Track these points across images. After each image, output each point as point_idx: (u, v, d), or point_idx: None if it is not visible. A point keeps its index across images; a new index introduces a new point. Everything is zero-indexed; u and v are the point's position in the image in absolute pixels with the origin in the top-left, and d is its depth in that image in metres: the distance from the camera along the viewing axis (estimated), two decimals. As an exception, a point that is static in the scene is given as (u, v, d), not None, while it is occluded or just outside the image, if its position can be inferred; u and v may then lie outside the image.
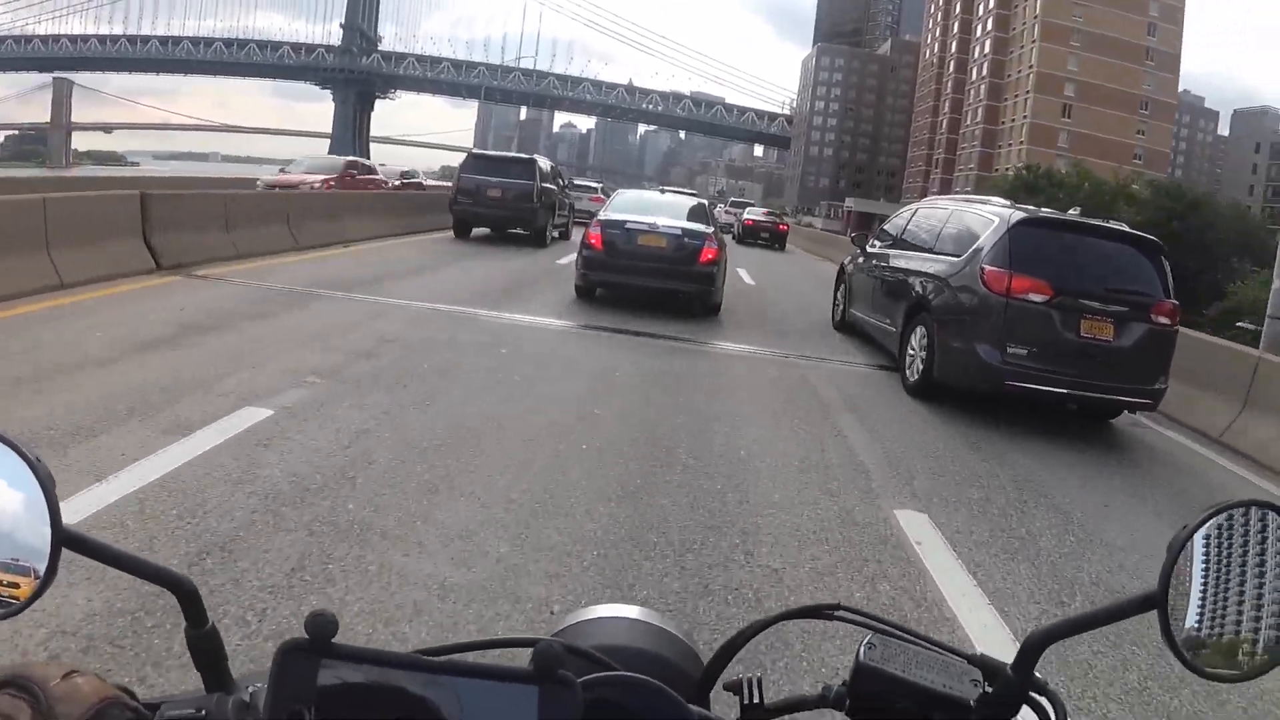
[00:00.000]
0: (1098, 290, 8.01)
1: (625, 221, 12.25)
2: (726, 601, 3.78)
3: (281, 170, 26.00)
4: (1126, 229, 8.67)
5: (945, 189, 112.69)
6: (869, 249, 12.00)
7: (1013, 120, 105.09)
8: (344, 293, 10.42)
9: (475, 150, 24.74)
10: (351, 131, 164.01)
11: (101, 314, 7.93)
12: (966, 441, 7.25)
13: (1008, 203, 9.63)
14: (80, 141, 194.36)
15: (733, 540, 4.45)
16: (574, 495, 4.76)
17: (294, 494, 4.29)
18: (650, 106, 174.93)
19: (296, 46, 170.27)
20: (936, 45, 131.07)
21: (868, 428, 7.21)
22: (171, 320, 7.87)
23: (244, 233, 12.50)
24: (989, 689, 0.84)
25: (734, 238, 31.53)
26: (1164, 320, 8.13)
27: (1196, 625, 0.76)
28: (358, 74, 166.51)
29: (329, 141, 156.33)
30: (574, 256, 12.74)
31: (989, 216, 8.78)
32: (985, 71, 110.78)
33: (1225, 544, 0.76)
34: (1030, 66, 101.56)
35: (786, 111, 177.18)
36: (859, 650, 0.88)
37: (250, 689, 0.77)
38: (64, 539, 0.70)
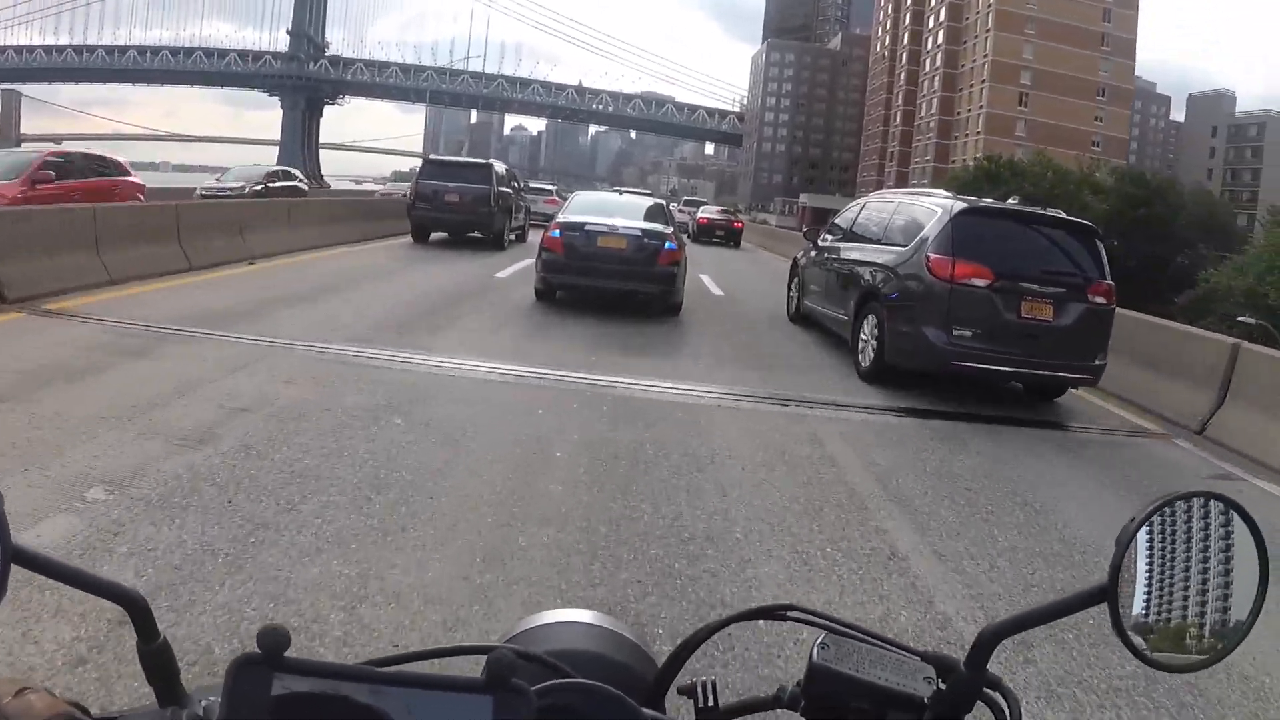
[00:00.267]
0: (1036, 273, 8.45)
1: (585, 224, 12.07)
2: None
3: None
4: (1063, 215, 9.12)
5: (901, 182, 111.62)
6: (820, 243, 12.31)
7: (968, 110, 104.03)
8: (216, 330, 8.20)
9: (432, 156, 25.06)
10: (300, 138, 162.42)
11: None
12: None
13: (950, 194, 9.99)
14: None
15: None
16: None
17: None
18: (600, 107, 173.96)
19: (243, 54, 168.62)
20: (888, 38, 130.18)
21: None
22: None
23: (120, 253, 10.68)
24: (943, 686, 0.85)
25: (689, 236, 30.23)
26: (1100, 300, 8.55)
27: (1144, 615, 0.77)
28: (305, 80, 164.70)
29: (278, 149, 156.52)
30: (514, 268, 12.60)
31: (933, 208, 9.15)
32: (939, 62, 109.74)
33: (1170, 535, 0.78)
34: (985, 55, 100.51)
35: (737, 109, 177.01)
36: (812, 651, 0.88)
37: (204, 703, 0.77)
38: (13, 555, 0.71)
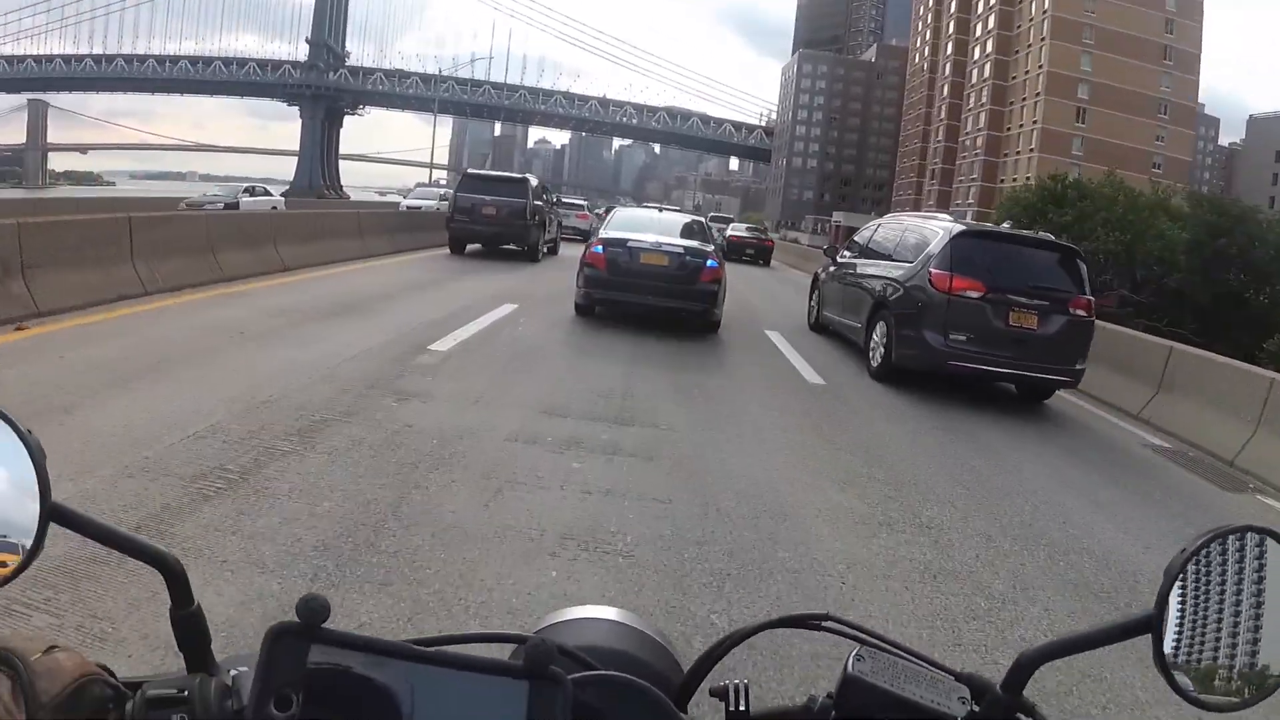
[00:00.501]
0: (1023, 288, 9.76)
1: (627, 240, 12.24)
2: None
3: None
4: (1050, 238, 11.24)
5: (943, 201, 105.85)
6: (839, 259, 13.59)
7: (1020, 126, 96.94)
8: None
9: (470, 170, 25.59)
10: (320, 148, 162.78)
11: None
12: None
13: (951, 218, 11.73)
14: (57, 162, 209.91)
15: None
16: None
17: None
18: (624, 119, 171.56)
19: (263, 63, 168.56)
20: (927, 49, 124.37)
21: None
22: None
23: (53, 277, 9.45)
24: (976, 708, 0.84)
25: None
26: (1080, 312, 9.93)
27: (1190, 650, 0.76)
28: (325, 90, 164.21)
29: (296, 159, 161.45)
30: (501, 313, 11.79)
31: (936, 229, 10.57)
32: (988, 73, 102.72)
33: (1221, 569, 0.76)
34: (1040, 66, 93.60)
35: (764, 124, 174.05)
36: (847, 661, 0.88)
37: (233, 672, 0.78)
38: (52, 513, 0.72)
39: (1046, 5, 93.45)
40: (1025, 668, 0.81)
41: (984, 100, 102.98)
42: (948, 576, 4.59)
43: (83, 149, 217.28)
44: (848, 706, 0.85)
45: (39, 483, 0.71)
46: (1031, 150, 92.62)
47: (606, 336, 11.10)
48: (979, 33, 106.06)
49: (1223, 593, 0.75)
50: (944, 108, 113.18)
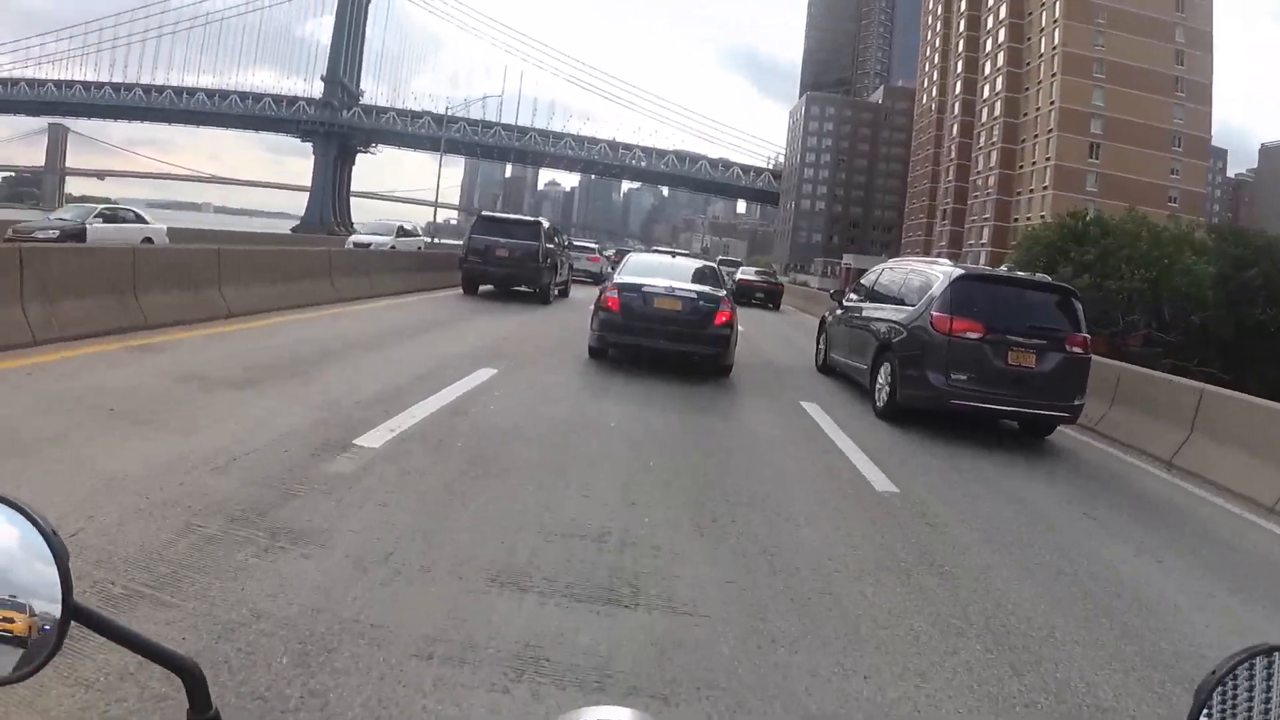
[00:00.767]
0: (1021, 328, 10.14)
1: (641, 285, 12.46)
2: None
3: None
4: (1046, 279, 11.44)
5: (955, 242, 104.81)
6: (845, 303, 14.03)
7: (1033, 163, 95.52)
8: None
9: (485, 212, 26.58)
10: (331, 185, 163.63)
11: None
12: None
13: (951, 262, 12.62)
14: (75, 186, 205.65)
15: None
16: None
17: None
18: (634, 162, 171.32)
19: (278, 99, 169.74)
20: (934, 89, 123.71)
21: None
22: None
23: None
24: None
25: None
26: (1077, 350, 10.27)
27: None
28: (338, 127, 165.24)
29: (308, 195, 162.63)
30: (474, 382, 9.96)
31: (937, 274, 10.97)
32: (998, 111, 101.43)
33: (1249, 690, 0.74)
34: (1052, 102, 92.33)
35: (772, 166, 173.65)
36: None
37: None
38: (75, 612, 0.71)
39: (1056, 41, 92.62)
40: None
41: (995, 138, 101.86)
42: None
43: (100, 175, 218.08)
44: None
45: (61, 583, 0.70)
46: (1045, 187, 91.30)
47: (603, 418, 8.73)
48: (988, 70, 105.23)
49: (1250, 714, 0.73)
50: (954, 147, 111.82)
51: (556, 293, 23.79)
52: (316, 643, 3.41)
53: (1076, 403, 10.26)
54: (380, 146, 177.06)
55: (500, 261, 21.38)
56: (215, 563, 4.04)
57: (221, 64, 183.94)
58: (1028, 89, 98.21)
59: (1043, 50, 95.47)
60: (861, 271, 22.51)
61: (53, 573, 0.70)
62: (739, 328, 13.38)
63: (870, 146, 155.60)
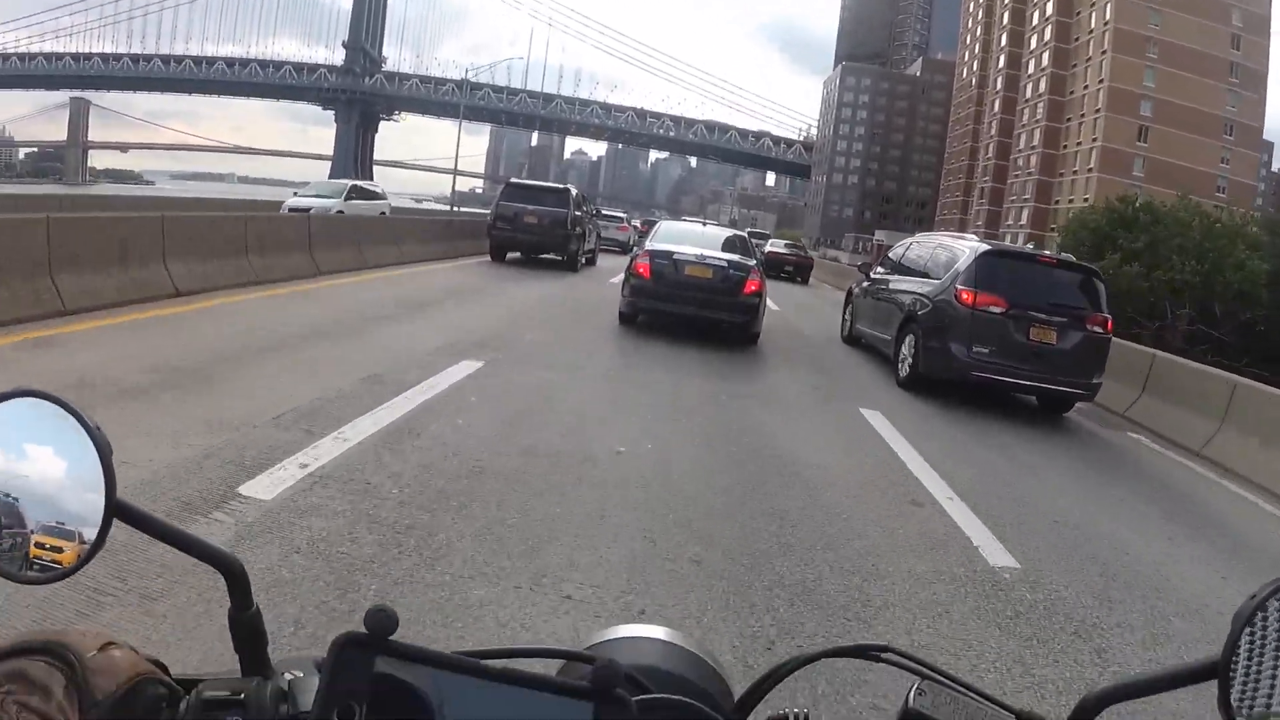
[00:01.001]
0: (1043, 305, 10.29)
1: (673, 252, 12.57)
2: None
3: None
4: (1070, 259, 11.66)
5: (992, 223, 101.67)
6: (872, 275, 14.28)
7: (1078, 144, 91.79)
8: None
9: (514, 179, 26.67)
10: (354, 153, 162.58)
11: None
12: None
13: (977, 238, 12.34)
14: (99, 160, 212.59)
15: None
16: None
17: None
18: (661, 131, 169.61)
19: (299, 66, 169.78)
20: (975, 63, 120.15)
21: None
22: None
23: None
24: None
25: None
26: (1097, 329, 10.43)
27: (1256, 698, 0.74)
28: (360, 94, 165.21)
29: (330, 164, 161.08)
30: (445, 382, 8.07)
31: (964, 249, 11.17)
32: (1043, 88, 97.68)
33: None
34: (1101, 81, 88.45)
35: (803, 139, 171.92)
36: (908, 695, 0.86)
37: (288, 676, 0.78)
38: (117, 509, 0.73)
39: (1108, 17, 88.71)
40: (1089, 709, 0.80)
41: (1038, 116, 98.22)
42: None
43: (123, 148, 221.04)
44: None
45: (105, 479, 0.72)
46: (1090, 170, 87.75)
47: (599, 472, 5.75)
48: (1034, 45, 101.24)
49: None
50: (995, 124, 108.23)
51: (584, 260, 23.81)
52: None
53: (1095, 381, 10.46)
54: (403, 114, 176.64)
55: (529, 228, 21.47)
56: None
57: (241, 32, 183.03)
58: (1075, 66, 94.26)
59: (1093, 26, 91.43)
60: (894, 248, 21.67)
61: (95, 469, 0.72)
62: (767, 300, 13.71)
63: (906, 120, 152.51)
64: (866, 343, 13.82)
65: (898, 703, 0.86)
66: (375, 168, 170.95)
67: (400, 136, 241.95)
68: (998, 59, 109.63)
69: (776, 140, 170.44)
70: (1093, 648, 4.11)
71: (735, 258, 12.85)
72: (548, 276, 19.57)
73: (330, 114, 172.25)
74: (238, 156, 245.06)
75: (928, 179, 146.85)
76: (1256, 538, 7.16)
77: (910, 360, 11.01)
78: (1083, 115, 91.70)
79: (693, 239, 13.64)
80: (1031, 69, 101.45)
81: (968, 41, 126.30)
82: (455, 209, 54.04)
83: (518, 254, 22.38)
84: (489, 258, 21.96)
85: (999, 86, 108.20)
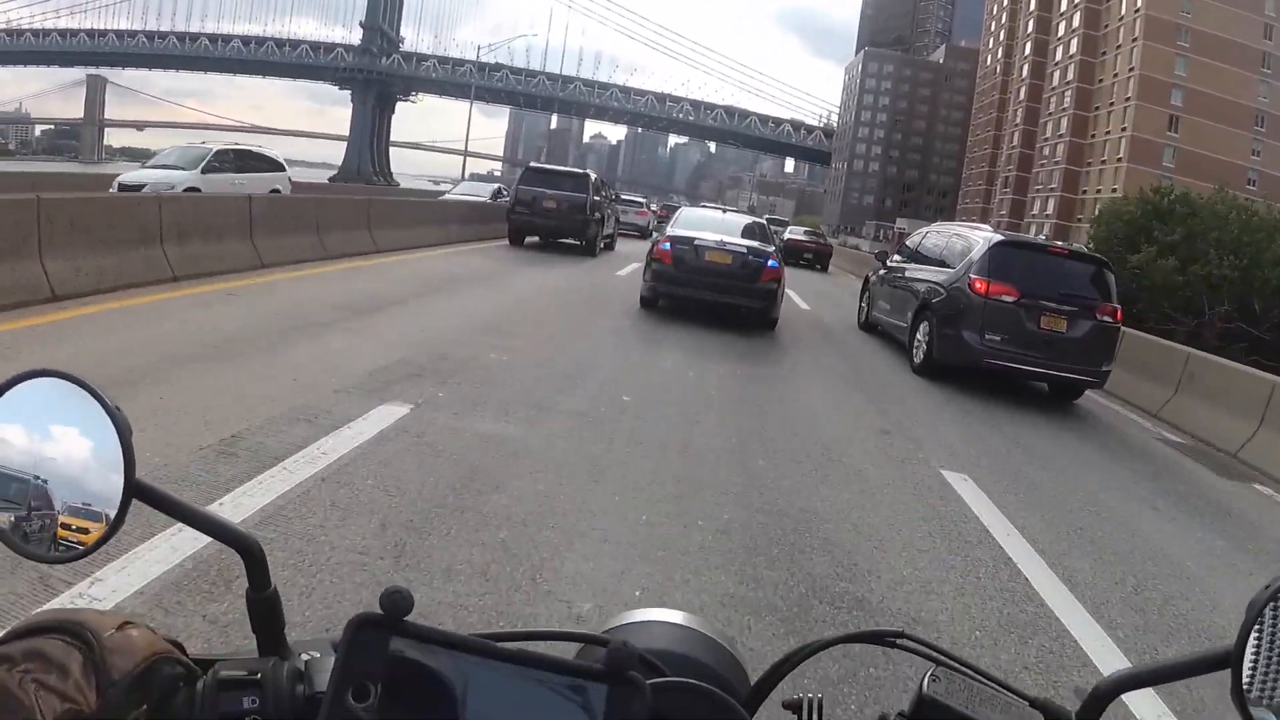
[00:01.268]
0: (1054, 294, 10.56)
1: (694, 238, 12.76)
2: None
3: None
4: (1081, 249, 12.85)
5: (1017, 212, 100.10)
6: (889, 263, 14.56)
7: (1107, 133, 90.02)
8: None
9: (533, 163, 26.24)
10: (370, 134, 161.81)
11: None
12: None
13: (991, 228, 13.11)
14: (115, 138, 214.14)
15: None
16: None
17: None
18: (681, 116, 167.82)
19: (315, 45, 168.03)
20: (1000, 50, 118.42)
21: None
22: None
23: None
24: None
25: None
26: (1107, 318, 10.68)
27: (1269, 687, 0.74)
28: (376, 75, 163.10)
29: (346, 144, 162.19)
30: (319, 467, 4.96)
31: (978, 239, 11.39)
32: (1071, 76, 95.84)
33: None
34: (1131, 69, 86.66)
35: (823, 125, 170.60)
36: (922, 681, 0.87)
37: (305, 657, 0.79)
38: (135, 490, 0.74)
39: (1139, 4, 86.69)
40: (1102, 697, 0.80)
41: (1066, 104, 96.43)
42: None
43: (139, 126, 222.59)
44: None
45: (124, 459, 0.72)
46: (1119, 159, 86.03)
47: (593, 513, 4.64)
48: (1062, 32, 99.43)
49: None
50: (1020, 111, 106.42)
51: (603, 245, 23.88)
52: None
53: (1104, 368, 10.75)
54: (421, 95, 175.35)
55: (548, 213, 21.41)
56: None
57: (259, 11, 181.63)
58: (1104, 53, 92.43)
59: (1123, 13, 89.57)
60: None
61: (117, 450, 0.73)
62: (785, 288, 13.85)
63: (929, 108, 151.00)
64: (883, 329, 14.11)
65: (912, 688, 0.87)
66: (392, 149, 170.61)
67: (418, 118, 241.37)
68: (1024, 46, 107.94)
69: (796, 126, 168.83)
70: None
71: (755, 244, 13.12)
72: (560, 263, 18.90)
73: (347, 94, 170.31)
74: (256, 136, 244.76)
75: (949, 167, 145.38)
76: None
77: (925, 347, 11.31)
78: (1112, 104, 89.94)
79: (713, 225, 13.85)
80: (1059, 56, 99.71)
81: (992, 28, 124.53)
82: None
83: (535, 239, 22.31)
84: (506, 242, 21.88)
85: (1025, 74, 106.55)
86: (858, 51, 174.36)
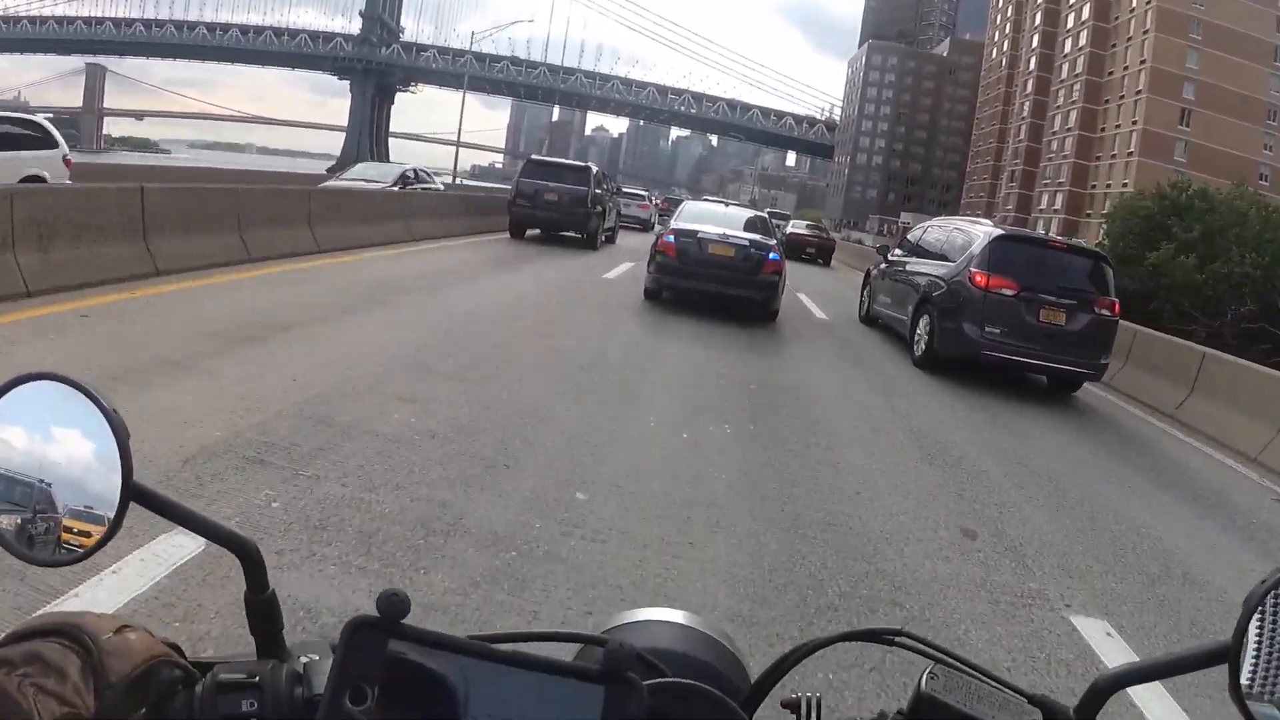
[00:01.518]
0: (1053, 288, 10.70)
1: (697, 231, 13.00)
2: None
3: None
4: (1081, 244, 13.17)
5: (1023, 207, 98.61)
6: (890, 258, 14.68)
7: (1117, 127, 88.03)
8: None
9: (535, 156, 25.84)
10: (370, 125, 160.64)
11: None
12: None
13: (991, 222, 13.25)
14: (115, 128, 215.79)
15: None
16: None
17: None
18: (683, 108, 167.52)
19: (314, 35, 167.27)
20: (1006, 43, 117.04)
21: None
22: None
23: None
24: None
25: None
26: (1105, 311, 10.86)
27: (1267, 682, 0.74)
28: (376, 65, 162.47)
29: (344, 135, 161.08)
30: None
31: (978, 233, 11.55)
32: (1080, 68, 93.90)
33: None
34: (1142, 61, 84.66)
35: (825, 119, 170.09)
36: (920, 679, 0.87)
37: (304, 659, 0.79)
38: (133, 493, 0.74)
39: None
40: (1100, 693, 0.80)
41: (1075, 97, 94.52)
42: None
43: (139, 115, 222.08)
44: None
45: (122, 461, 0.72)
46: (1130, 153, 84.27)
47: None
48: (1070, 24, 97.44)
49: None
50: (1028, 104, 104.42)
51: (604, 239, 23.86)
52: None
53: (1102, 361, 10.97)
54: (420, 85, 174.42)
55: (548, 206, 21.41)
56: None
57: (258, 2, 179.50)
58: (1114, 46, 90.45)
59: (1134, 4, 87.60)
60: (919, 232, 21.48)
61: (114, 452, 0.73)
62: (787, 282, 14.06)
63: (933, 101, 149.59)
64: (883, 322, 14.33)
65: (911, 687, 0.86)
66: (391, 140, 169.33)
67: (421, 110, 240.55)
68: (1031, 38, 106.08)
69: (798, 120, 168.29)
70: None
71: (757, 237, 13.35)
72: (537, 262, 17.54)
73: (348, 85, 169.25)
74: (259, 127, 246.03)
75: (953, 161, 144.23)
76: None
77: (925, 340, 11.47)
78: (1122, 97, 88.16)
79: (716, 219, 14.01)
80: (1068, 48, 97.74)
81: (997, 21, 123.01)
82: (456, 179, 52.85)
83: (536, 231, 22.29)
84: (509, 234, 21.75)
85: (1032, 66, 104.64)
86: (861, 45, 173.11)
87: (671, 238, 12.96)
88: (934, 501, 5.86)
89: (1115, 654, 4.18)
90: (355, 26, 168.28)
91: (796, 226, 39.33)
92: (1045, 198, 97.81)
